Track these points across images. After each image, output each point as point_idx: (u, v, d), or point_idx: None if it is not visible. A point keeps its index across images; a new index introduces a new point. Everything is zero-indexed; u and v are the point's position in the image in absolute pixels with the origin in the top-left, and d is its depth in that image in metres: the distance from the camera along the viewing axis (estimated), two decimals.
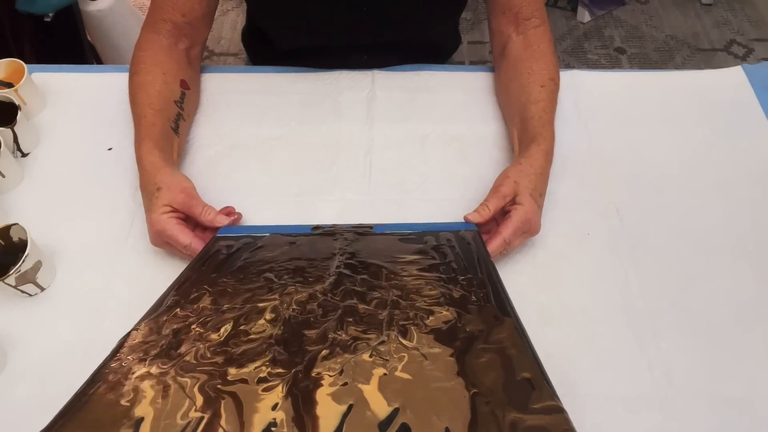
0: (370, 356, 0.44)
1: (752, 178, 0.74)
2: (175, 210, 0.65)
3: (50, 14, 1.30)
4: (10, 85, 0.78)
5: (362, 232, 0.66)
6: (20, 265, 0.61)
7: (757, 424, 0.56)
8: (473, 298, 0.52)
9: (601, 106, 0.82)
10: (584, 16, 2.05)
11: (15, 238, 0.65)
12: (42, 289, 0.65)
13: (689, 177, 0.75)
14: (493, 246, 0.63)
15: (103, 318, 0.64)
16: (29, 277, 0.63)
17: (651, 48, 1.97)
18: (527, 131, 0.71)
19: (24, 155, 0.78)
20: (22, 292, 0.64)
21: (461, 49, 1.03)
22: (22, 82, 0.78)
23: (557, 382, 0.59)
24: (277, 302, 0.52)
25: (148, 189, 0.66)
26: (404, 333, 0.47)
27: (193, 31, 0.80)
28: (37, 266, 0.64)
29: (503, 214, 0.65)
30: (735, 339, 0.61)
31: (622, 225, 0.70)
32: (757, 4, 2.09)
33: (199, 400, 0.41)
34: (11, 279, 0.61)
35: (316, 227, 0.68)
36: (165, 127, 0.72)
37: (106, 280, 0.66)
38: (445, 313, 0.49)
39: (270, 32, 0.88)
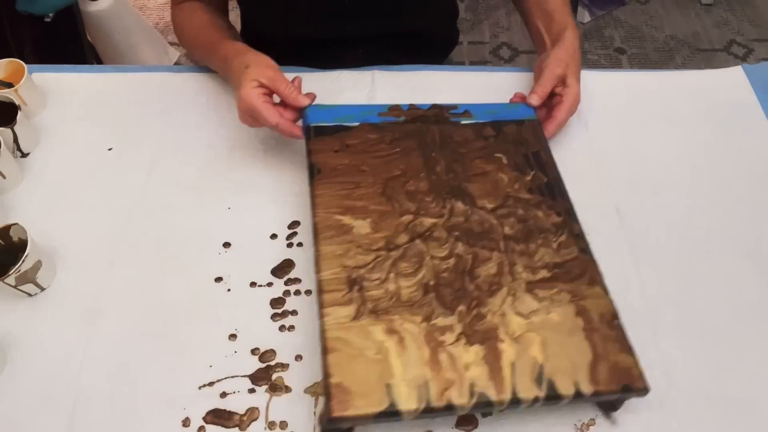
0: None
1: (752, 178, 0.74)
2: (262, 86, 0.67)
3: (50, 14, 1.30)
4: (10, 85, 0.78)
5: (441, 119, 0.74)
6: (20, 265, 0.61)
7: (757, 424, 0.56)
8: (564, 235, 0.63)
9: (601, 106, 0.82)
10: (584, 16, 2.05)
11: (15, 238, 0.65)
12: (42, 289, 0.65)
13: (689, 177, 0.75)
14: (551, 130, 0.73)
15: (104, 318, 0.64)
16: (29, 277, 0.63)
17: (651, 48, 1.97)
18: (554, 22, 0.78)
19: (24, 155, 0.78)
20: (22, 292, 0.64)
21: (461, 49, 1.03)
22: (22, 82, 0.78)
23: None
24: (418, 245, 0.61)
25: (237, 69, 0.69)
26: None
27: None
28: (37, 266, 0.64)
29: (551, 97, 0.75)
30: (735, 339, 0.61)
31: (622, 225, 0.70)
32: (757, 4, 2.09)
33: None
34: (11, 279, 0.61)
35: (395, 108, 0.74)
36: (236, 37, 0.79)
37: (106, 280, 0.66)
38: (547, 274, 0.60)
39: (261, 27, 0.89)
